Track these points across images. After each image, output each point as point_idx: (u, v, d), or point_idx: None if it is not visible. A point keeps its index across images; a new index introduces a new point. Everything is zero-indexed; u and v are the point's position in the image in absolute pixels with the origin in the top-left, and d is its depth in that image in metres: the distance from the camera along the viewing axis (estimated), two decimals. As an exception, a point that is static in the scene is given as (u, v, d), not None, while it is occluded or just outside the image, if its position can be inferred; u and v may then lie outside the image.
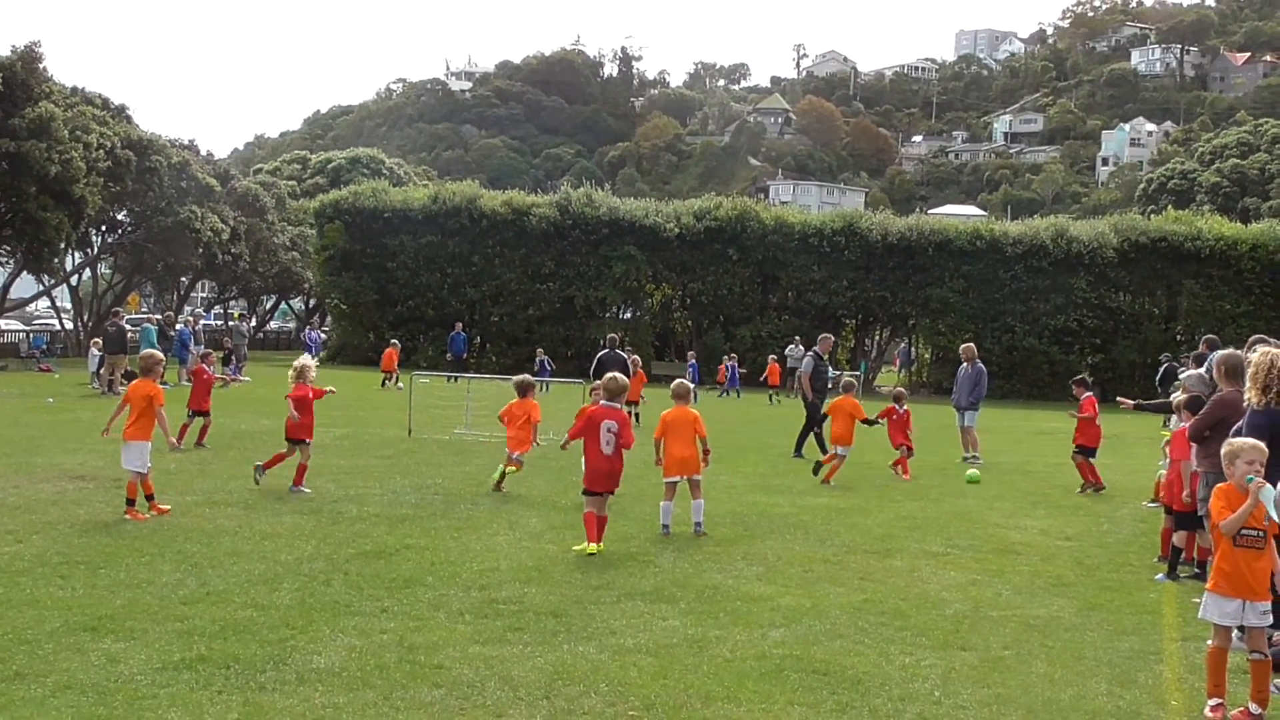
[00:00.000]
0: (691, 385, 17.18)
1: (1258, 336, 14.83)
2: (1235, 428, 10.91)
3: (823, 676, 9.24)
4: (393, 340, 50.09)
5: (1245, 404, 11.21)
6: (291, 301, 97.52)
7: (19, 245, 53.90)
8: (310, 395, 18.55)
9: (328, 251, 66.08)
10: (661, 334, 65.28)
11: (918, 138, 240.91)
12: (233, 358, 47.93)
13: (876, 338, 68.05)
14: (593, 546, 13.62)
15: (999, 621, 11.35)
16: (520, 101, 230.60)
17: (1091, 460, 21.77)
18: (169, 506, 15.53)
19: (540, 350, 51.02)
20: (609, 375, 14.81)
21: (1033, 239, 59.92)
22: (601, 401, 14.59)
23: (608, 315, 65.00)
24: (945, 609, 11.78)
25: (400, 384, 43.91)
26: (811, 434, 26.26)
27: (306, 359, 19.31)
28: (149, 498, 15.44)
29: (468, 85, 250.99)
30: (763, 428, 33.64)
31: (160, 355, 17.02)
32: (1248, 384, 11.17)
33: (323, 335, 58.57)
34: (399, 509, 16.54)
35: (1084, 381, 23.09)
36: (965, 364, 28.12)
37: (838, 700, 8.69)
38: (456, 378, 43.23)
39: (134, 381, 16.23)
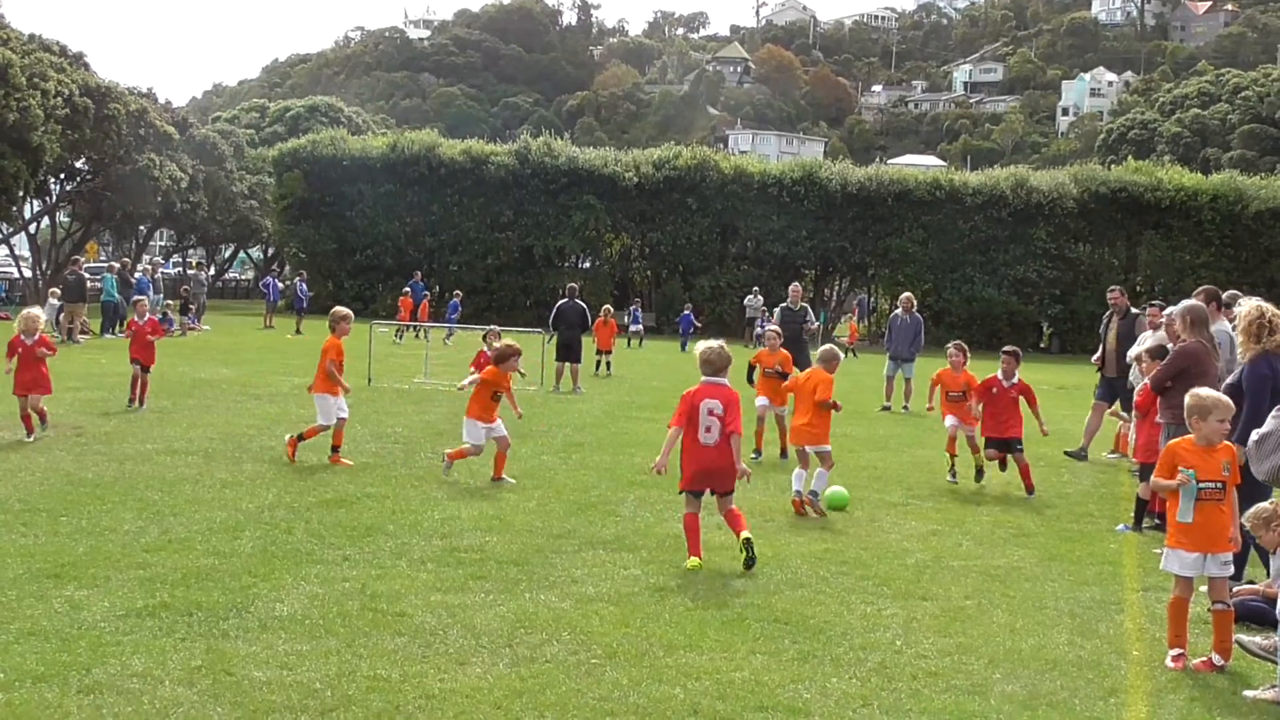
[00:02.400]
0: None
1: (1205, 288, 14.90)
2: (1229, 384, 10.93)
3: (784, 625, 9.31)
4: (405, 289, 49.76)
5: (1219, 357, 11.38)
6: (250, 250, 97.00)
7: (-24, 193, 53.44)
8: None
9: (286, 200, 65.76)
10: (620, 284, 65.21)
11: (877, 87, 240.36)
12: (190, 306, 47.70)
13: (836, 288, 68.18)
14: (693, 561, 11.09)
15: (960, 571, 11.45)
16: (478, 50, 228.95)
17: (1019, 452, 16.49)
18: (350, 463, 15.85)
19: (457, 293, 50.11)
20: (710, 345, 11.70)
21: (992, 189, 60.16)
22: (703, 378, 11.43)
23: (566, 265, 65.02)
24: (906, 559, 11.87)
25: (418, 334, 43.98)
26: None
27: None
28: (334, 449, 15.98)
29: (426, 34, 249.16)
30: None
31: (345, 311, 17.11)
32: (1238, 337, 11.25)
33: (281, 284, 58.28)
34: (359, 457, 16.53)
35: (1016, 354, 16.96)
36: (902, 313, 28.14)
37: (799, 649, 8.75)
38: (415, 327, 43.26)
39: (328, 339, 16.52)
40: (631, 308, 53.25)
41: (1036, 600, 10.50)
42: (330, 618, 8.94)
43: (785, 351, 18.83)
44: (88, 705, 7.05)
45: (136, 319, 22.28)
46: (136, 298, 24.16)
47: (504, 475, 15.07)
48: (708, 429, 11.11)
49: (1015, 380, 16.34)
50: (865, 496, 15.15)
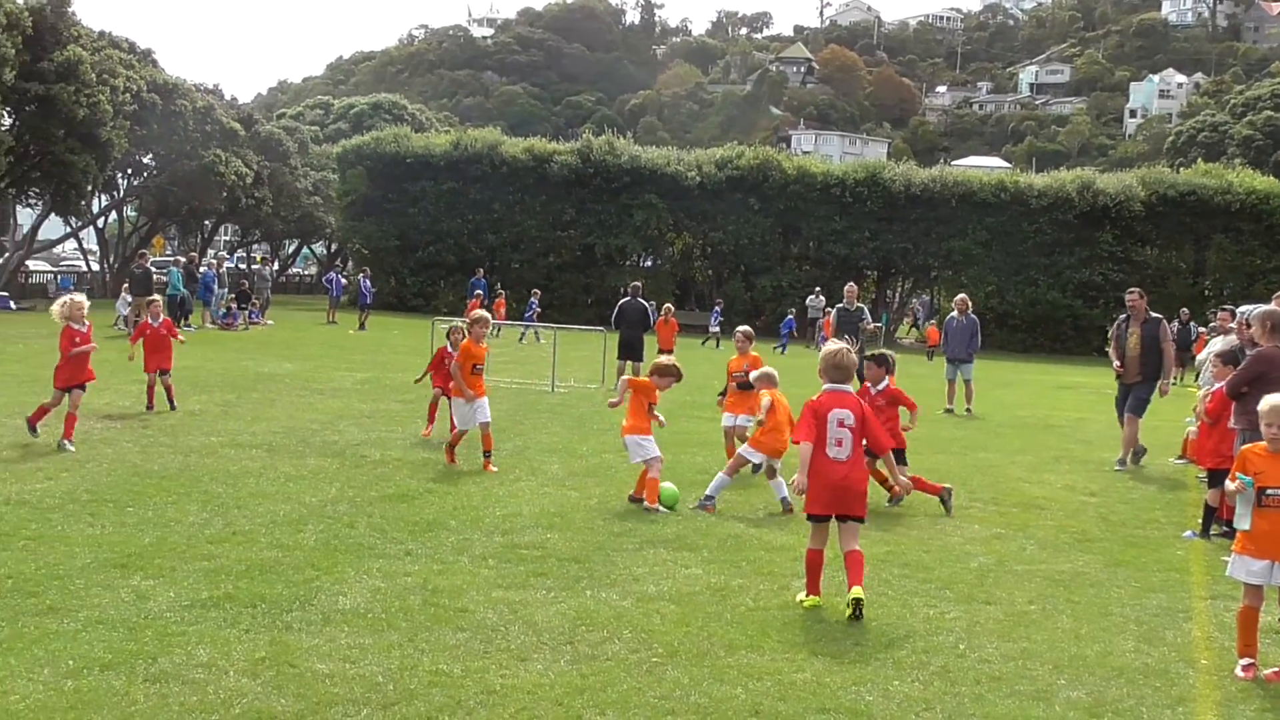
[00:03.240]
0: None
1: None
2: None
3: (846, 627, 9.25)
4: (499, 290, 49.92)
5: None
6: (313, 246, 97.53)
7: (47, 187, 54.03)
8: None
9: (349, 197, 66.11)
10: (682, 283, 65.24)
11: (942, 88, 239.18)
12: (253, 300, 48.08)
13: (898, 289, 67.87)
14: (811, 599, 9.91)
15: (1023, 576, 11.35)
16: (541, 49, 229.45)
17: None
18: (496, 469, 15.65)
19: (536, 292, 50.50)
20: (838, 347, 10.30)
21: (1058, 191, 59.61)
22: (826, 385, 10.13)
23: (628, 264, 65.02)
24: (969, 562, 11.78)
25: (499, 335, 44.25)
26: None
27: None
28: (485, 454, 15.81)
29: (489, 32, 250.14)
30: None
31: (479, 314, 16.91)
32: None
33: (345, 280, 58.59)
34: (421, 453, 16.60)
35: (884, 360, 15.77)
36: (958, 315, 27.79)
37: (861, 651, 8.70)
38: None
39: (463, 342, 16.32)
40: (715, 308, 53.29)
41: (1101, 606, 10.39)
42: (392, 612, 8.97)
43: (754, 355, 17.19)
44: (154, 694, 7.10)
45: (150, 320, 20.21)
46: (150, 298, 21.69)
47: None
48: (838, 442, 9.85)
49: (883, 387, 15.31)
50: (927, 500, 15.04)
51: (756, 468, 14.56)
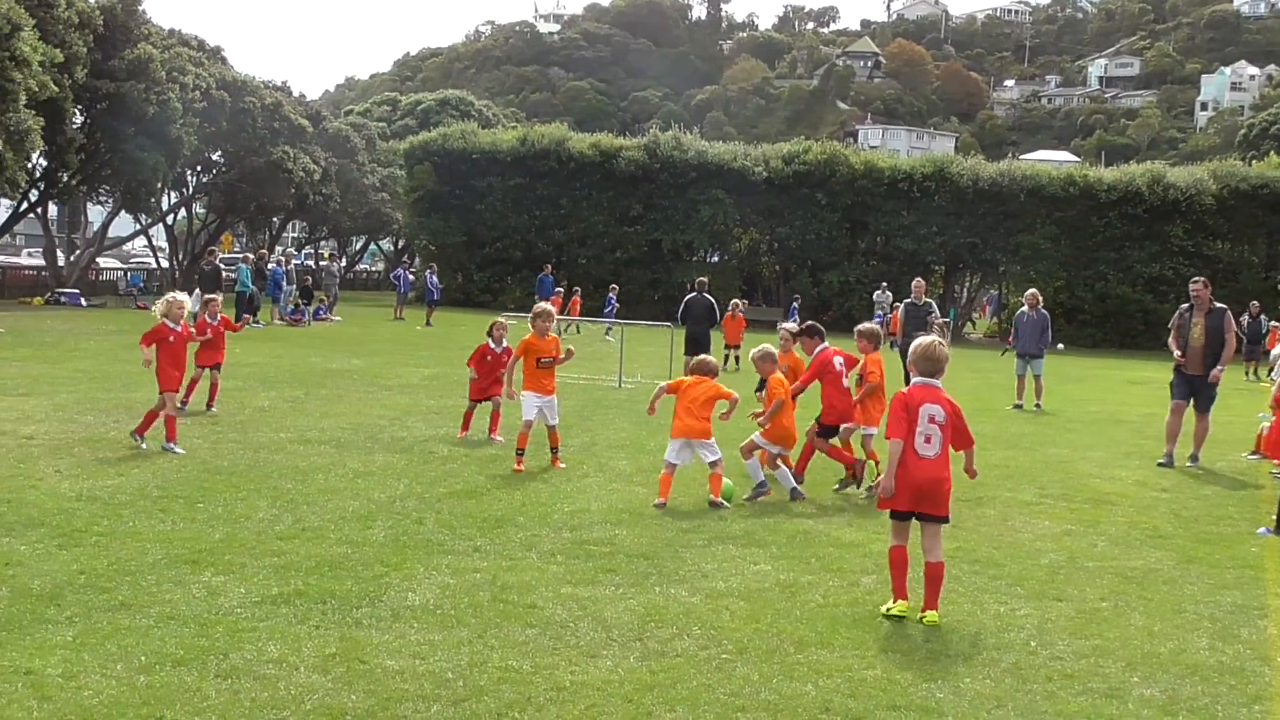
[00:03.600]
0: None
1: None
2: None
3: (916, 624, 9.19)
4: (575, 288, 50.07)
5: None
6: (381, 242, 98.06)
7: (117, 185, 54.55)
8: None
9: (417, 193, 66.41)
10: (749, 278, 65.15)
11: (1010, 82, 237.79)
12: (313, 295, 48.45)
13: (966, 284, 67.49)
14: (900, 605, 9.42)
15: (1095, 573, 11.23)
16: (608, 44, 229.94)
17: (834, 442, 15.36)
18: (564, 465, 15.59)
19: (614, 288, 50.63)
20: (931, 340, 9.81)
21: (1128, 185, 59.05)
22: (916, 379, 9.79)
23: (695, 259, 64.94)
24: (1039, 559, 11.67)
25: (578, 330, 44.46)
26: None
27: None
28: (553, 449, 15.75)
29: (555, 28, 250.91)
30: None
31: (543, 307, 16.54)
32: None
33: (411, 275, 58.84)
34: (488, 449, 16.64)
35: (817, 330, 15.83)
36: (1028, 309, 27.49)
37: (931, 648, 8.64)
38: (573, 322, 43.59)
39: (525, 337, 16.02)
40: (793, 304, 53.25)
41: (1175, 603, 10.27)
42: (461, 608, 8.98)
43: (796, 354, 16.56)
44: (225, 690, 7.13)
45: (208, 318, 19.16)
46: (208, 297, 20.33)
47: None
48: (927, 439, 9.41)
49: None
50: (997, 495, 14.93)
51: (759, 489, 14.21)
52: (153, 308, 16.71)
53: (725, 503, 13.43)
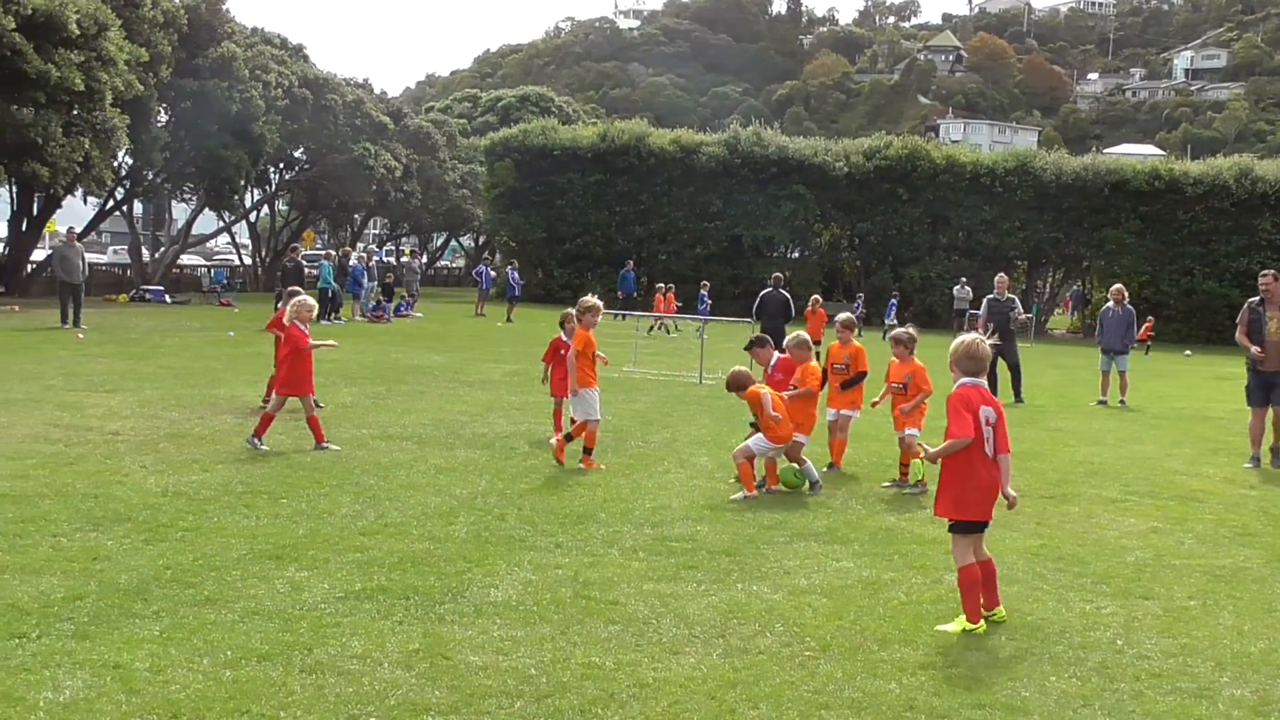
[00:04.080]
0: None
1: None
2: None
3: (1000, 622, 9.10)
4: (668, 286, 50.12)
5: None
6: (461, 239, 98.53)
7: (201, 182, 55.24)
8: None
9: (497, 189, 66.64)
10: (829, 274, 64.93)
11: (1093, 75, 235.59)
12: (394, 291, 48.81)
13: (1049, 280, 66.86)
14: (998, 613, 9.12)
15: (1182, 570, 11.07)
16: (687, 39, 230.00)
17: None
18: (603, 466, 15.18)
19: (705, 284, 50.72)
20: (974, 338, 9.16)
21: (1214, 179, 58.14)
22: (962, 380, 9.10)
23: (775, 254, 64.71)
24: (1125, 556, 11.52)
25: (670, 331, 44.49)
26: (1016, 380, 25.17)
27: None
28: (586, 450, 15.23)
29: (635, 24, 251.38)
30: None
31: (590, 301, 16.02)
32: None
33: (493, 272, 59.08)
34: (569, 446, 16.62)
35: (764, 341, 15.80)
36: (1114, 305, 27.12)
37: (1016, 646, 8.55)
38: (625, 315, 43.54)
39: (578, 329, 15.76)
40: (891, 301, 53.02)
41: (1265, 603, 10.10)
42: (544, 604, 8.98)
43: (857, 345, 16.17)
44: (310, 685, 7.17)
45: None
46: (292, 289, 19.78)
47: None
48: (986, 442, 8.90)
49: (775, 362, 15.35)
50: (1080, 492, 14.78)
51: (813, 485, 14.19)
52: (284, 308, 16.41)
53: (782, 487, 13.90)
